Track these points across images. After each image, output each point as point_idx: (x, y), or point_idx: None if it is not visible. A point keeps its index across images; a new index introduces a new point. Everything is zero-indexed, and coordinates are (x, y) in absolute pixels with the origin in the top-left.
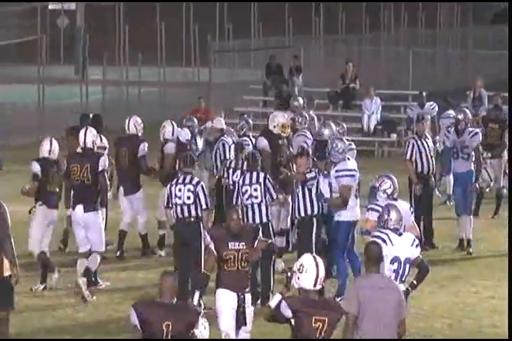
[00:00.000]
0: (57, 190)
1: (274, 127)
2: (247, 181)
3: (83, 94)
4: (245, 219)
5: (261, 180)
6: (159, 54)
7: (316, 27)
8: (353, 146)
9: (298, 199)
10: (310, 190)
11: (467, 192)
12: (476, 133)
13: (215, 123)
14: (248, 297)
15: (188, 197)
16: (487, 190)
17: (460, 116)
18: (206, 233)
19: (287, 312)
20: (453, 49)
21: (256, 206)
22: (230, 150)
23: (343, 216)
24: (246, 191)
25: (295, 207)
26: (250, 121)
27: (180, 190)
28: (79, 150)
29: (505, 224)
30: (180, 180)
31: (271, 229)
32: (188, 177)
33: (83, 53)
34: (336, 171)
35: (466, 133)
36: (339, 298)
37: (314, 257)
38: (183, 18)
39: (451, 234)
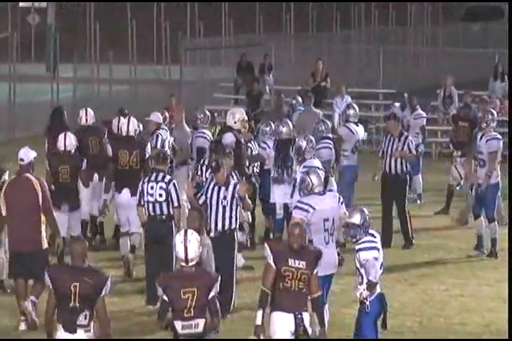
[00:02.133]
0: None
1: (235, 123)
2: None
3: (54, 91)
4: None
5: None
6: (130, 52)
7: (286, 25)
8: (331, 145)
9: (217, 210)
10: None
11: None
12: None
13: (152, 117)
14: (307, 317)
15: (160, 195)
16: (457, 188)
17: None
18: (266, 245)
19: (159, 291)
20: (423, 47)
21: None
22: (163, 145)
23: None
24: None
25: (212, 219)
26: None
27: (152, 188)
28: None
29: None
30: (152, 178)
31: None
32: (161, 175)
33: (54, 51)
34: (304, 167)
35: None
36: None
37: (185, 237)
38: (153, 16)
39: (421, 232)
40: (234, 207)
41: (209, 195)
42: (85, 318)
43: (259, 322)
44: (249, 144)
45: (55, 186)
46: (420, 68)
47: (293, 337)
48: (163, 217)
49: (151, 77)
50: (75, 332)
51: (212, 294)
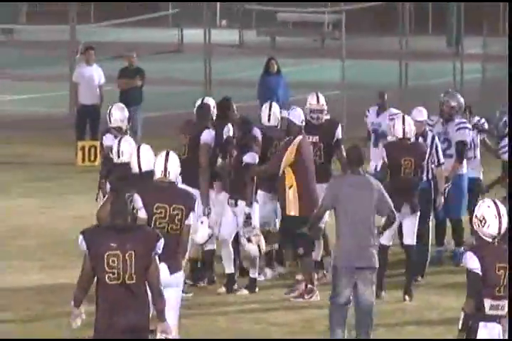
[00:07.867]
0: None
1: None
2: None
3: (457, 72)
4: None
5: None
6: None
7: None
8: None
9: None
10: None
11: None
12: None
13: (415, 115)
14: None
15: None
16: None
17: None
18: None
19: (473, 264)
20: None
21: None
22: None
23: None
24: None
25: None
26: None
27: None
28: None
29: None
30: None
31: None
32: None
33: (457, 21)
34: None
35: None
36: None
37: (497, 207)
38: None
39: None
40: None
41: None
42: None
43: None
44: None
45: None
46: None
47: None
48: None
49: None
50: None
51: None
